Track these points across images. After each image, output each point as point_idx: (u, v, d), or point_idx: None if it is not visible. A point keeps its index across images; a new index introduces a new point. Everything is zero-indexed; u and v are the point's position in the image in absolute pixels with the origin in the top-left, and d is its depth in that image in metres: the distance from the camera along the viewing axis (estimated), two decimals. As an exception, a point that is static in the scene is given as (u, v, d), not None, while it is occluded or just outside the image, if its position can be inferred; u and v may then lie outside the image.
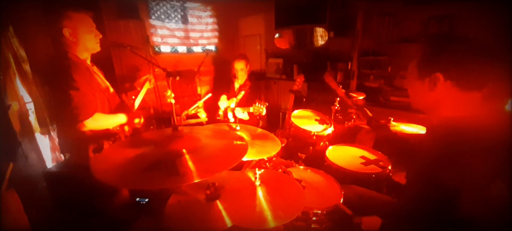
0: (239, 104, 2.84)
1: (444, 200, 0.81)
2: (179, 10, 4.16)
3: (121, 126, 1.81)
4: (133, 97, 2.03)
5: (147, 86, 2.16)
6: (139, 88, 2.11)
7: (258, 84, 3.06)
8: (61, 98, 1.53)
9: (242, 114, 2.59)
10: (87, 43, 1.66)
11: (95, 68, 1.80)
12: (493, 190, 0.75)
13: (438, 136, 0.97)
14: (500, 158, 0.76)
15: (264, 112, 2.43)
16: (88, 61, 1.74)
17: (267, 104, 2.43)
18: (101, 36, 1.73)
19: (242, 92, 2.90)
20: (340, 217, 1.32)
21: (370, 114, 1.83)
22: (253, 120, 2.80)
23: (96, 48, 1.73)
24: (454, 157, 0.82)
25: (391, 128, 1.74)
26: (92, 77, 1.67)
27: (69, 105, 1.50)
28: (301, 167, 1.75)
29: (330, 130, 2.05)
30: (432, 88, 0.92)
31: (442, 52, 0.92)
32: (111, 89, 1.87)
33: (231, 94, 2.99)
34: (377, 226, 1.15)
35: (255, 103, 2.40)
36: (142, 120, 1.91)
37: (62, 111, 1.61)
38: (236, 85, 3.04)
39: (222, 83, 3.30)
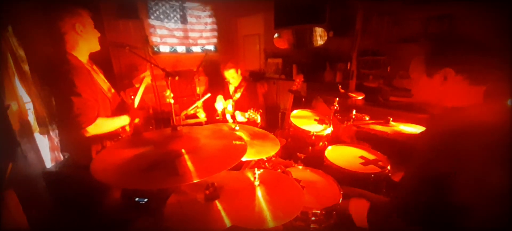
0: (236, 105, 2.84)
1: (440, 193, 0.82)
2: (178, 10, 4.16)
3: (123, 126, 1.80)
4: (132, 96, 2.03)
5: (146, 82, 2.16)
6: (137, 85, 2.11)
7: (254, 86, 3.04)
8: (62, 104, 1.51)
9: (242, 118, 2.59)
10: (92, 40, 1.67)
11: (95, 68, 1.79)
12: (490, 179, 0.76)
13: (436, 125, 0.98)
14: (498, 149, 0.77)
15: (258, 119, 2.42)
16: (87, 61, 1.73)
17: (261, 111, 2.42)
18: (99, 34, 1.73)
19: (238, 93, 2.88)
20: (338, 217, 1.32)
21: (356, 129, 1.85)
22: (252, 122, 2.80)
23: (97, 46, 1.73)
24: (449, 144, 0.83)
25: (382, 129, 1.76)
26: (93, 80, 1.65)
27: (71, 112, 1.47)
28: (300, 167, 1.75)
29: (329, 130, 2.05)
30: (442, 83, 0.93)
31: (451, 48, 0.93)
32: (113, 90, 1.86)
33: (227, 96, 2.98)
34: (365, 210, 1.15)
35: (250, 110, 2.39)
36: (138, 120, 1.90)
37: (64, 117, 1.58)
38: (231, 87, 3.02)
39: (218, 83, 3.28)
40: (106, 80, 1.83)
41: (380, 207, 1.12)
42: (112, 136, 1.74)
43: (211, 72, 4.70)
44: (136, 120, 1.89)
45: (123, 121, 1.76)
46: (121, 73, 3.68)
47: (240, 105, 2.78)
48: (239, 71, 2.90)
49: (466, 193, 0.77)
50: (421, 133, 1.47)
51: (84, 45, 1.64)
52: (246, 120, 2.53)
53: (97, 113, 1.58)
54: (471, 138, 0.81)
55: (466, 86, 0.90)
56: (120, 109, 1.84)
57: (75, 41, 1.60)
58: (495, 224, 0.76)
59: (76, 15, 1.58)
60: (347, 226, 1.28)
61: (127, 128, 1.84)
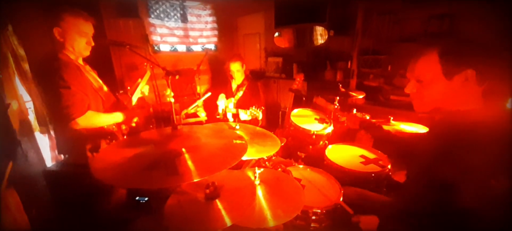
0: (238, 104, 2.84)
1: (444, 198, 0.82)
2: (178, 9, 4.15)
3: (118, 124, 1.80)
4: (129, 87, 2.07)
5: (147, 76, 2.17)
6: (139, 80, 2.13)
7: (256, 84, 3.05)
8: (52, 97, 1.55)
9: (245, 115, 2.60)
10: (75, 46, 1.65)
11: (87, 67, 1.80)
12: (493, 183, 0.75)
13: (438, 131, 0.97)
14: (500, 152, 0.76)
15: (260, 116, 2.42)
16: (80, 61, 1.74)
17: (263, 108, 2.42)
18: (93, 44, 1.72)
19: (240, 92, 2.89)
20: (339, 216, 1.32)
21: (360, 116, 1.81)
22: (254, 119, 2.80)
23: (84, 53, 1.73)
24: (452, 151, 0.83)
25: (384, 128, 1.73)
26: (83, 77, 1.67)
27: (60, 103, 1.51)
28: (301, 166, 1.75)
29: (329, 129, 2.05)
30: (464, 85, 0.89)
31: (467, 48, 0.90)
32: (105, 88, 1.87)
33: (229, 94, 2.98)
34: (375, 225, 1.15)
35: (252, 107, 2.40)
36: (137, 119, 1.91)
37: (54, 110, 1.62)
38: (234, 85, 3.03)
39: (221, 82, 3.29)
40: (98, 79, 1.84)
41: (388, 212, 1.12)
42: (106, 134, 1.75)
43: (214, 71, 4.70)
44: (135, 119, 1.90)
45: (116, 117, 1.77)
46: (121, 73, 3.68)
47: (241, 104, 2.78)
48: (244, 67, 2.93)
49: (470, 197, 0.77)
50: (423, 136, 1.47)
51: (68, 48, 1.64)
52: (249, 118, 2.53)
53: (87, 106, 1.61)
54: (474, 141, 0.80)
55: (470, 87, 0.89)
56: (115, 108, 1.84)
57: (61, 43, 1.61)
58: (500, 227, 0.76)
59: (57, 19, 1.57)
60: (348, 225, 1.28)
61: (123, 127, 1.84)
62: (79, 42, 1.66)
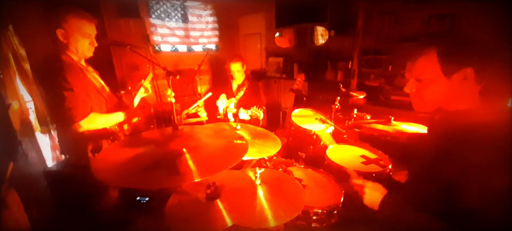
0: (238, 104, 2.84)
1: (445, 197, 0.82)
2: (179, 9, 4.15)
3: (120, 124, 1.80)
4: (130, 87, 2.07)
5: (150, 77, 2.18)
6: (143, 81, 2.14)
7: (257, 84, 3.05)
8: (55, 99, 1.54)
9: (245, 115, 2.60)
10: (78, 48, 1.64)
11: (90, 68, 1.80)
12: (494, 181, 0.75)
13: (438, 131, 0.97)
14: (500, 150, 0.76)
15: (261, 116, 2.42)
16: (82, 62, 1.73)
17: (264, 108, 2.41)
18: (96, 45, 1.72)
19: (241, 92, 2.89)
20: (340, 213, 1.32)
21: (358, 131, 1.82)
22: (254, 119, 2.80)
23: (88, 54, 1.72)
24: (452, 151, 0.83)
25: (385, 128, 1.73)
26: (85, 78, 1.67)
27: (63, 106, 1.51)
28: (302, 166, 1.75)
29: (330, 129, 2.05)
30: (462, 83, 0.89)
31: (467, 47, 0.89)
32: (107, 89, 1.87)
33: (229, 94, 2.98)
34: (378, 197, 1.12)
35: (253, 107, 2.39)
36: (137, 119, 1.91)
37: (57, 112, 1.61)
38: (234, 85, 3.03)
39: (221, 82, 3.29)
40: (100, 80, 1.84)
41: (393, 199, 1.09)
42: (108, 134, 1.75)
43: (215, 71, 4.71)
44: (135, 119, 1.90)
45: (117, 117, 1.77)
46: (122, 73, 3.68)
47: (242, 104, 2.78)
48: (245, 67, 2.93)
49: (471, 196, 0.77)
50: (423, 136, 1.46)
51: (71, 49, 1.63)
52: (249, 117, 2.53)
53: (90, 108, 1.61)
54: (474, 140, 0.80)
55: (468, 86, 0.88)
56: (118, 109, 1.84)
57: (64, 45, 1.61)
58: (502, 225, 0.76)
59: (60, 20, 1.56)
60: (349, 225, 1.27)
61: (125, 127, 1.84)
62: (83, 44, 1.65)
